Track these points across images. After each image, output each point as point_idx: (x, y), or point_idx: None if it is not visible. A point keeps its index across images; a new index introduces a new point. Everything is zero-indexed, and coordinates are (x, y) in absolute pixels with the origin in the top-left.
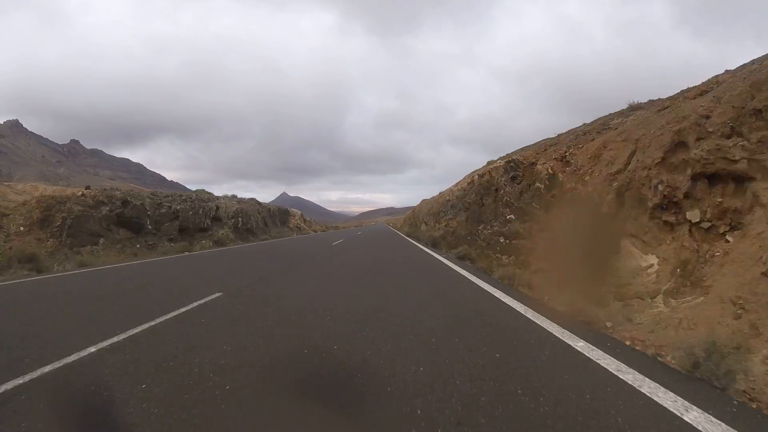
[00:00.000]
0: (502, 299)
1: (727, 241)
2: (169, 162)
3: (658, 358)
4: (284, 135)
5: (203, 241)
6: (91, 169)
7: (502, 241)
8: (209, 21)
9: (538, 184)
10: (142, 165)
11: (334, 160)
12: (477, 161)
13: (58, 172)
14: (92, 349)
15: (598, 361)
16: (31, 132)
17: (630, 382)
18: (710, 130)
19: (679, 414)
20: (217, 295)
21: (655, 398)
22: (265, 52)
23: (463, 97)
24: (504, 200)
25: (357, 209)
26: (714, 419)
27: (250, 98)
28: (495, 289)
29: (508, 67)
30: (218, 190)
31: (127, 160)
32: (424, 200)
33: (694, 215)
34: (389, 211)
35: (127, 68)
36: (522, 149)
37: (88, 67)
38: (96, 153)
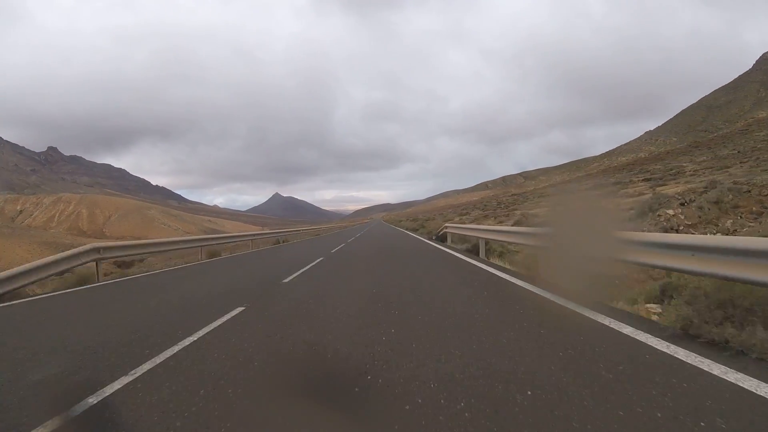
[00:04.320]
0: None
1: None
2: (157, 167)
3: None
4: (271, 133)
5: None
6: (68, 176)
7: None
8: (172, 6)
9: None
10: (124, 170)
11: (325, 158)
12: (473, 153)
13: (29, 181)
14: None
15: None
16: (6, 141)
17: None
18: None
19: None
20: None
21: None
22: (239, 37)
23: (454, 83)
24: None
25: (352, 207)
26: None
27: (231, 91)
28: None
29: (500, 44)
30: (210, 195)
31: (109, 165)
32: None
33: None
34: (385, 208)
35: (95, 64)
36: None
37: (56, 69)
38: (75, 160)
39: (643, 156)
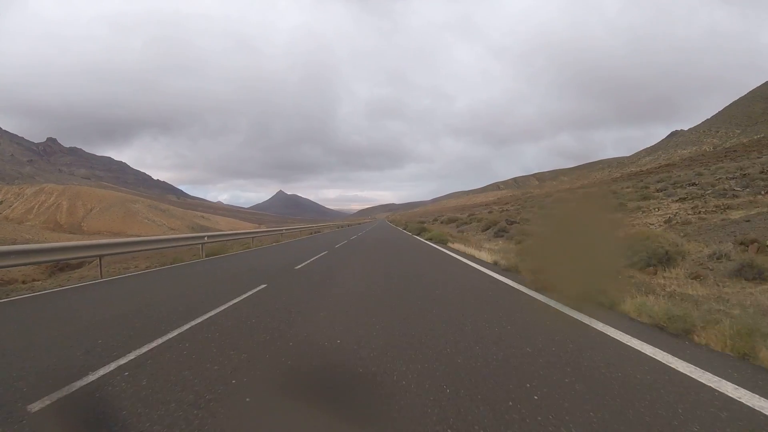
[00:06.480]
0: None
1: None
2: (159, 161)
3: None
4: (274, 129)
5: None
6: (66, 168)
7: None
8: None
9: None
10: (124, 164)
11: (329, 156)
12: (479, 154)
13: (23, 171)
14: None
15: None
16: (4, 131)
17: None
18: None
19: None
20: None
21: None
22: (239, 27)
23: (461, 80)
24: None
25: (356, 206)
26: None
27: (232, 85)
28: None
29: (509, 41)
30: (214, 191)
31: (109, 158)
32: None
33: None
34: (389, 208)
35: (93, 53)
36: None
37: (54, 58)
38: (74, 151)
39: (707, 149)
